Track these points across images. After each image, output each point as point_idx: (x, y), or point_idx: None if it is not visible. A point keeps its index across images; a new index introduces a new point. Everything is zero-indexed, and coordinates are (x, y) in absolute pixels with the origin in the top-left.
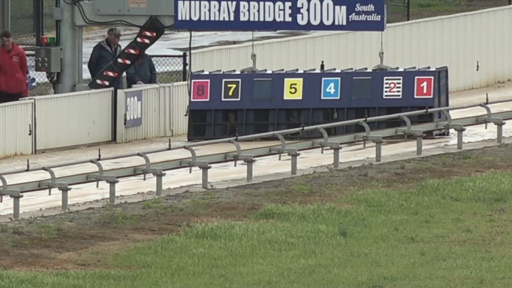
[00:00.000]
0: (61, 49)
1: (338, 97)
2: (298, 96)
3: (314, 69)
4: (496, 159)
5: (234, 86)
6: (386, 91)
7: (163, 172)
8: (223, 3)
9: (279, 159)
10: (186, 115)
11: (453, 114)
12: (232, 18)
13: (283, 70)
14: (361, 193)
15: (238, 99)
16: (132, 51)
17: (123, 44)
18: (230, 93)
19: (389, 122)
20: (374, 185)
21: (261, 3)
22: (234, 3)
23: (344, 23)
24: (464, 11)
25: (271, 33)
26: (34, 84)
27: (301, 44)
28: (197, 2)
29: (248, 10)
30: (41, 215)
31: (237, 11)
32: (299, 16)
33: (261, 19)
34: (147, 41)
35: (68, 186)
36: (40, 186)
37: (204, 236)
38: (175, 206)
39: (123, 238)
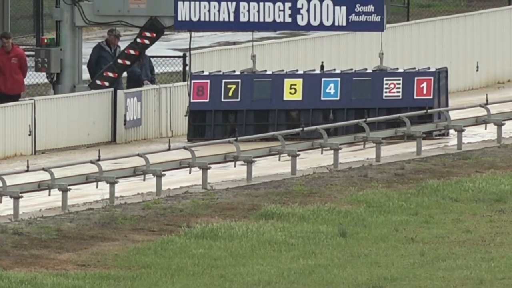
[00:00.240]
0: (61, 50)
1: (338, 98)
2: (298, 96)
3: (314, 70)
4: (496, 159)
5: (234, 86)
6: (386, 92)
7: (163, 172)
8: (223, 4)
9: (279, 159)
10: (186, 115)
11: (453, 115)
12: (232, 19)
13: (283, 70)
14: (361, 193)
15: (238, 99)
16: (132, 51)
17: (123, 44)
18: (230, 94)
19: (389, 123)
20: (374, 185)
21: (261, 3)
22: (234, 3)
23: (344, 23)
24: (464, 11)
25: (271, 34)
26: None
27: (301, 45)
28: (197, 3)
29: (248, 10)
30: (41, 215)
31: (237, 11)
32: (299, 17)
33: (261, 19)
34: (147, 41)
35: (68, 187)
36: (40, 186)
37: (204, 236)
38: (175, 207)
39: (123, 238)
